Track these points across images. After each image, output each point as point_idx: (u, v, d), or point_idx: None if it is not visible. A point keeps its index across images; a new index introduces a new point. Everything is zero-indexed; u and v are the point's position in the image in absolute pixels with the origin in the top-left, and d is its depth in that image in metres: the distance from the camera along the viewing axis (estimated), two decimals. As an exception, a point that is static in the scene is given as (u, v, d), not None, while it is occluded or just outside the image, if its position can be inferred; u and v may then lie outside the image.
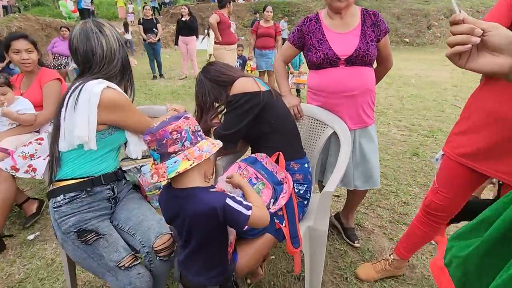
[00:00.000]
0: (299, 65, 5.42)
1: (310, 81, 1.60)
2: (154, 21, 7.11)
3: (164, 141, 0.83)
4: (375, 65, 1.60)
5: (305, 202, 1.32)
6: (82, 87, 1.08)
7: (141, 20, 7.12)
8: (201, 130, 0.92)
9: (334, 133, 1.52)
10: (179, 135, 0.84)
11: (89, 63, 1.14)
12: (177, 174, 0.82)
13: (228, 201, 0.86)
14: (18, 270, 1.66)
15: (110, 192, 1.20)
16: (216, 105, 1.39)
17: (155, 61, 7.22)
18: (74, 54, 1.15)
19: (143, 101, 5.25)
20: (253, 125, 1.29)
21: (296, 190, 1.28)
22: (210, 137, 1.20)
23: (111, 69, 1.17)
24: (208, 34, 8.18)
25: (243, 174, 1.22)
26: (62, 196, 1.08)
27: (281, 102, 1.38)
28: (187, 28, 6.74)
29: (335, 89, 1.47)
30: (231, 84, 1.30)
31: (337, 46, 1.44)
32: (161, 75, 7.37)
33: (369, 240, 1.89)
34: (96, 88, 1.08)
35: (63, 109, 1.10)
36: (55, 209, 1.08)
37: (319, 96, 1.56)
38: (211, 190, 0.90)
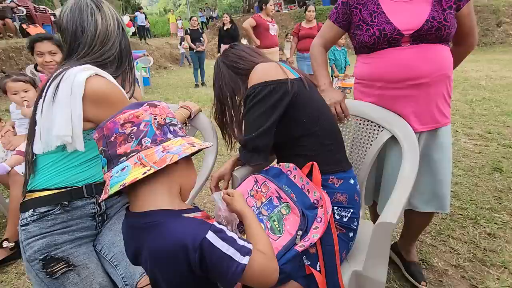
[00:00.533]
0: (345, 67, 4.94)
1: (360, 68, 1.23)
2: (200, 31, 7.39)
3: (112, 138, 0.55)
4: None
5: (350, 235, 0.93)
6: (64, 74, 0.87)
7: (188, 31, 7.40)
8: (179, 124, 0.63)
9: (393, 138, 1.11)
10: (135, 128, 0.55)
11: (76, 41, 0.93)
12: (122, 187, 0.52)
13: (211, 236, 0.54)
14: (23, 285, 1.53)
15: (95, 207, 0.95)
16: (237, 100, 1.08)
17: (199, 69, 7.44)
18: (61, 32, 0.95)
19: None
20: (278, 125, 0.96)
21: (338, 217, 0.91)
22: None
23: (104, 53, 0.94)
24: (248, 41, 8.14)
25: (260, 191, 0.89)
26: (31, 211, 0.86)
27: (316, 94, 1.02)
28: (229, 36, 6.76)
29: (397, 77, 1.07)
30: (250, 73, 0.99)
31: (399, 17, 1.05)
32: (203, 84, 7.58)
33: (442, 285, 1.39)
34: (80, 76, 0.85)
35: (41, 101, 0.89)
36: (22, 228, 0.86)
37: (372, 88, 1.17)
38: (186, 215, 0.58)
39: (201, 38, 7.22)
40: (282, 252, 0.77)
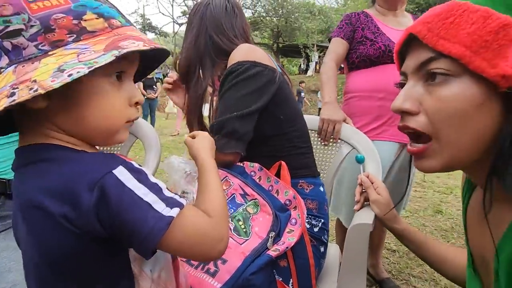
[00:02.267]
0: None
1: (358, 83, 1.31)
2: (154, 79, 7.45)
3: None
4: None
5: (321, 250, 0.79)
6: None
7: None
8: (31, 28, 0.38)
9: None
10: None
11: None
12: None
13: (120, 171, 0.38)
14: None
15: None
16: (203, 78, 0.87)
17: (149, 116, 7.30)
18: None
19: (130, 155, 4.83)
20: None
21: (308, 226, 0.77)
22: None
23: None
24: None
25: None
26: None
27: (293, 95, 0.95)
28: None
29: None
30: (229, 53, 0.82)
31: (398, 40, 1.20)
32: (153, 131, 7.34)
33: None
34: None
35: None
36: None
37: (371, 100, 1.24)
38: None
39: (154, 86, 7.27)
40: (250, 257, 0.60)
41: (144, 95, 7.27)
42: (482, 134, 0.39)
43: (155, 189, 0.40)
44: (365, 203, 0.84)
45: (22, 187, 0.41)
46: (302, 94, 10.14)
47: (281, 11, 15.81)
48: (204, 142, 0.58)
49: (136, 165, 0.41)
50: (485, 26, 0.37)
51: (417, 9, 13.62)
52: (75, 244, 0.38)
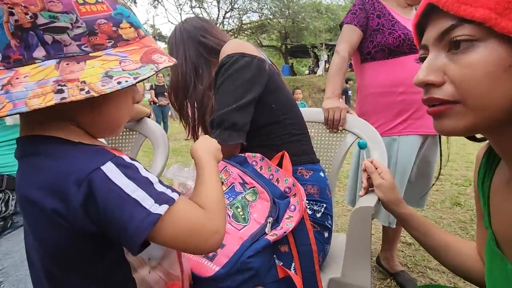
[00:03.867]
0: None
1: (375, 77, 1.21)
2: (165, 86, 7.62)
3: None
4: None
5: (326, 235, 0.79)
6: None
7: (153, 86, 7.60)
8: (75, 30, 0.40)
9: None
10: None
11: None
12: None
13: (108, 168, 0.38)
14: None
15: (1, 205, 0.72)
16: (200, 84, 0.91)
17: (162, 122, 7.47)
18: None
19: (141, 158, 4.96)
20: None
21: (310, 212, 0.77)
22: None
23: None
24: None
25: (221, 178, 0.74)
26: None
27: (286, 86, 0.95)
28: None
29: None
30: (219, 52, 0.86)
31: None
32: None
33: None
34: None
35: None
36: None
37: (392, 95, 1.18)
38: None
39: (165, 93, 7.46)
40: (248, 242, 0.60)
41: (155, 102, 7.42)
42: (510, 96, 0.38)
43: (145, 184, 0.40)
44: (370, 188, 0.83)
45: (20, 181, 0.42)
46: (350, 92, 9.78)
47: (287, 12, 15.80)
48: (204, 143, 0.57)
49: (127, 160, 0.41)
50: None
51: None
52: (68, 238, 0.40)
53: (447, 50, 0.41)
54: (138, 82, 0.39)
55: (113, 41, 0.41)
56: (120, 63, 0.40)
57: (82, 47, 0.39)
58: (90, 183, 0.37)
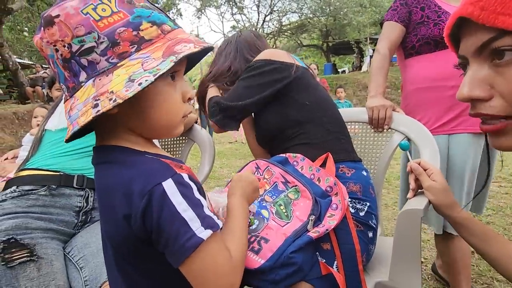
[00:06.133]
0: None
1: (423, 70, 1.15)
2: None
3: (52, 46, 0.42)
4: None
5: (370, 235, 0.77)
6: None
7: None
8: (102, 44, 0.43)
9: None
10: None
11: None
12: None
13: (168, 185, 0.41)
14: None
15: (82, 201, 0.86)
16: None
17: (207, 126, 7.76)
18: None
19: (189, 161, 5.25)
20: (277, 109, 0.90)
21: (353, 211, 0.77)
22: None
23: None
24: None
25: (263, 178, 0.78)
26: (13, 188, 0.80)
27: (323, 89, 0.97)
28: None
29: None
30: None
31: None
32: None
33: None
34: None
35: None
36: None
37: (443, 91, 1.10)
38: (151, 156, 0.47)
39: None
40: (291, 238, 0.63)
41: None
42: None
43: (195, 204, 0.42)
44: (420, 190, 0.79)
45: (96, 184, 0.49)
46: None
47: (328, 10, 15.39)
48: (243, 187, 0.58)
49: (186, 179, 0.43)
50: None
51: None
52: (131, 240, 0.44)
53: (490, 60, 0.39)
54: (157, 78, 0.39)
55: (136, 46, 0.42)
56: (142, 64, 0.41)
57: (110, 60, 0.42)
58: (151, 195, 0.40)
